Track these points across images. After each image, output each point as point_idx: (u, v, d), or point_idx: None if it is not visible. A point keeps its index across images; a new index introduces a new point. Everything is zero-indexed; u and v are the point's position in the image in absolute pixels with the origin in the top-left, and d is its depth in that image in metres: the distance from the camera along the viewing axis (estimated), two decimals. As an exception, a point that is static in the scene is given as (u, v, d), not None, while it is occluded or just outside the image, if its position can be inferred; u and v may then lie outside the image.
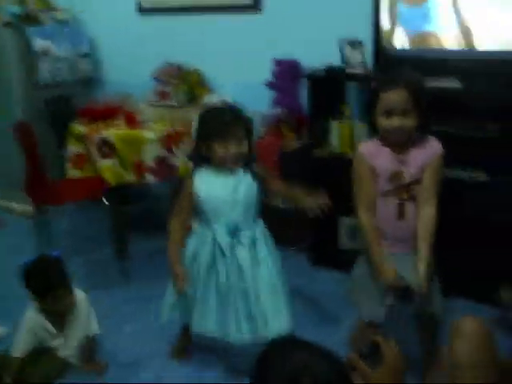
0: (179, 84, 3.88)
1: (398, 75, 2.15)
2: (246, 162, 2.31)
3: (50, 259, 2.52)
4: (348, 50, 3.19)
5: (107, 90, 4.48)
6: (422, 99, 2.08)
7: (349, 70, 3.15)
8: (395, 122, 2.07)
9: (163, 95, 3.87)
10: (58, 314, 2.50)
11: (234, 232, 2.27)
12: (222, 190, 2.27)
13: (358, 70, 3.14)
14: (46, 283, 2.41)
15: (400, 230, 2.20)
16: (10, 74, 4.09)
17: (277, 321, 2.30)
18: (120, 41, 4.35)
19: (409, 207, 2.17)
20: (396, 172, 2.16)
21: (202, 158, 2.33)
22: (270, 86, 3.57)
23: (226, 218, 2.28)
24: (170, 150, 3.30)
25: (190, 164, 3.35)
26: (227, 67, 3.90)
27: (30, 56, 4.02)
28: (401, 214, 2.18)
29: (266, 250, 2.32)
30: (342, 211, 3.46)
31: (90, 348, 2.60)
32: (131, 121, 3.35)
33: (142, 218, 4.15)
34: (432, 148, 2.16)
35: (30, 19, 4.20)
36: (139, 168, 3.24)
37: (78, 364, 2.57)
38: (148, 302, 3.10)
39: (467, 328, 1.87)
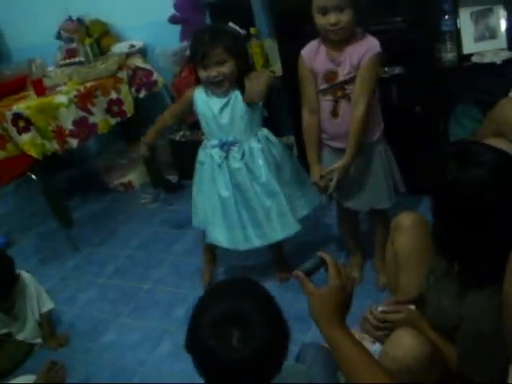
0: (84, 38, 3.70)
1: None
2: (238, 79, 2.28)
3: None
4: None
5: (15, 59, 4.25)
6: None
7: (245, -12, 3.05)
8: (332, 18, 2.02)
9: (70, 53, 3.69)
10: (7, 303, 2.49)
11: (223, 146, 2.34)
12: (209, 112, 2.33)
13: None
14: None
15: (334, 127, 2.22)
16: None
17: (282, 224, 2.40)
18: (14, 5, 4.10)
19: (343, 106, 2.18)
20: (330, 71, 2.15)
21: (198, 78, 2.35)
22: (173, 20, 3.44)
23: (217, 135, 2.35)
24: (86, 109, 3.20)
25: (109, 119, 3.30)
26: (129, 11, 3.72)
27: None
28: (335, 112, 2.20)
29: (262, 159, 2.35)
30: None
31: (48, 324, 2.60)
32: (39, 88, 3.20)
33: (77, 182, 4.08)
34: (368, 46, 2.10)
35: None
36: (60, 134, 3.14)
37: (41, 342, 2.58)
38: (100, 266, 3.10)
39: (404, 222, 1.94)
